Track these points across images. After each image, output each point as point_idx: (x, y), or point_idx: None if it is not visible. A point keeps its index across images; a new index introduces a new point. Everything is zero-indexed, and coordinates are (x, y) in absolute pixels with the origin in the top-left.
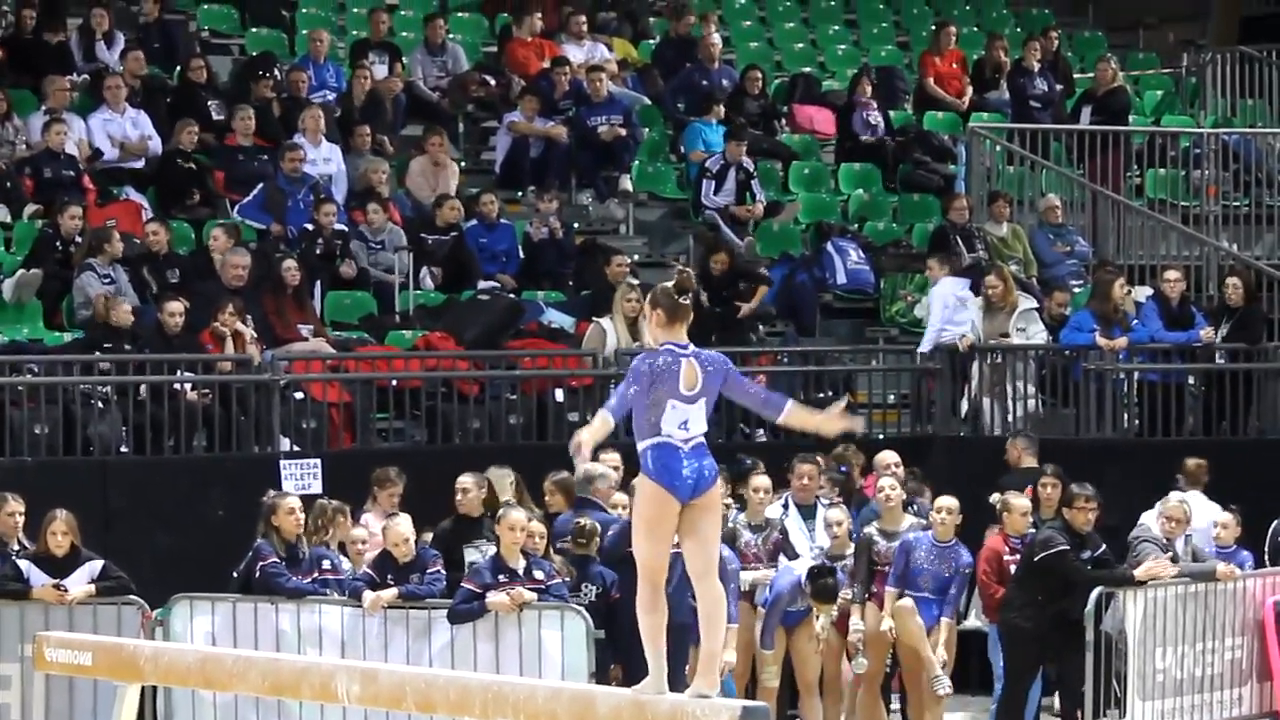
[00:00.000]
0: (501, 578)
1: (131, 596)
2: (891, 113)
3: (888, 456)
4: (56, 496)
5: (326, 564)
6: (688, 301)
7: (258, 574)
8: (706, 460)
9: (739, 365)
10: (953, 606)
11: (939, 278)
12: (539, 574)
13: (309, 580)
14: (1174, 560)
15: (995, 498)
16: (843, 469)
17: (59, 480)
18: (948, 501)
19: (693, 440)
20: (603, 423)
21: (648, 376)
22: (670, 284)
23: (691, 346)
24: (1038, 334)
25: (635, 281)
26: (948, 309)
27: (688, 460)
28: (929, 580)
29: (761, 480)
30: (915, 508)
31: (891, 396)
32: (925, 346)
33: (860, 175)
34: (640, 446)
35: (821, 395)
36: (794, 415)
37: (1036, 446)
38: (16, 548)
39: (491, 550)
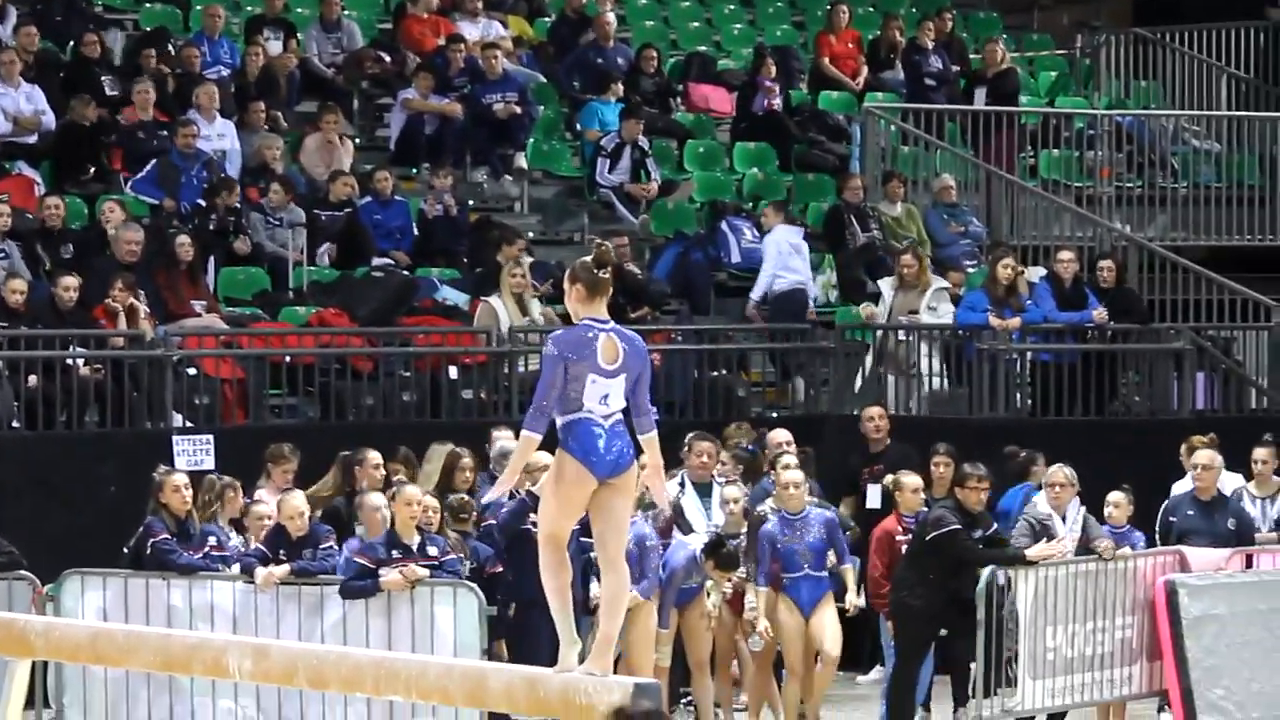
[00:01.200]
0: (395, 553)
1: (22, 572)
2: (788, 91)
3: (779, 435)
4: None
5: (213, 540)
6: (607, 275)
7: (149, 550)
8: (625, 440)
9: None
10: (845, 554)
11: (773, 225)
12: (433, 550)
13: (199, 556)
14: (1049, 537)
15: (888, 478)
16: (750, 448)
17: None
18: (792, 475)
19: (612, 417)
20: (527, 443)
21: (558, 358)
22: (589, 258)
23: (611, 322)
24: (948, 313)
25: (525, 259)
26: (781, 255)
27: (608, 438)
28: (806, 556)
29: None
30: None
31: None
32: (756, 294)
33: (755, 154)
34: (560, 421)
35: (716, 374)
36: (648, 446)
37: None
38: None
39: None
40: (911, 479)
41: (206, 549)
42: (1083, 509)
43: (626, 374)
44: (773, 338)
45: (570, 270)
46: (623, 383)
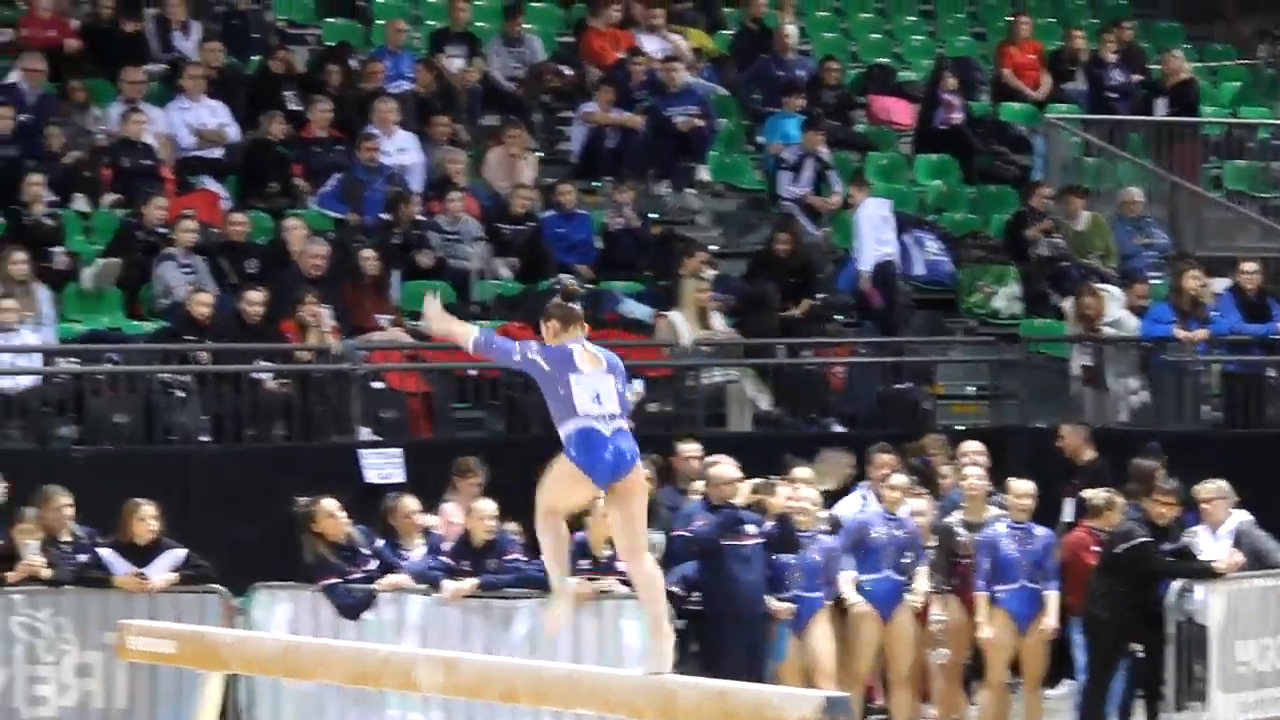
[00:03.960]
0: (584, 563)
1: (213, 585)
2: (969, 103)
3: (969, 447)
4: (137, 486)
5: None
6: (576, 306)
7: (320, 591)
8: (627, 443)
9: (816, 355)
10: (1053, 579)
11: (861, 200)
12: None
13: (371, 568)
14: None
15: (1098, 494)
16: (924, 459)
17: (139, 469)
18: (1024, 485)
19: (614, 421)
20: (464, 332)
21: (542, 363)
22: (557, 296)
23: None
24: (1131, 324)
25: (710, 273)
26: (875, 228)
27: (610, 442)
28: (1021, 568)
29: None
30: (997, 499)
31: (970, 388)
32: (866, 266)
33: (937, 166)
34: (563, 433)
35: (900, 386)
36: None
37: (1087, 433)
38: (67, 539)
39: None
40: (1123, 500)
41: (373, 566)
42: (1245, 521)
43: (615, 376)
44: (959, 351)
45: (544, 311)
46: (612, 382)
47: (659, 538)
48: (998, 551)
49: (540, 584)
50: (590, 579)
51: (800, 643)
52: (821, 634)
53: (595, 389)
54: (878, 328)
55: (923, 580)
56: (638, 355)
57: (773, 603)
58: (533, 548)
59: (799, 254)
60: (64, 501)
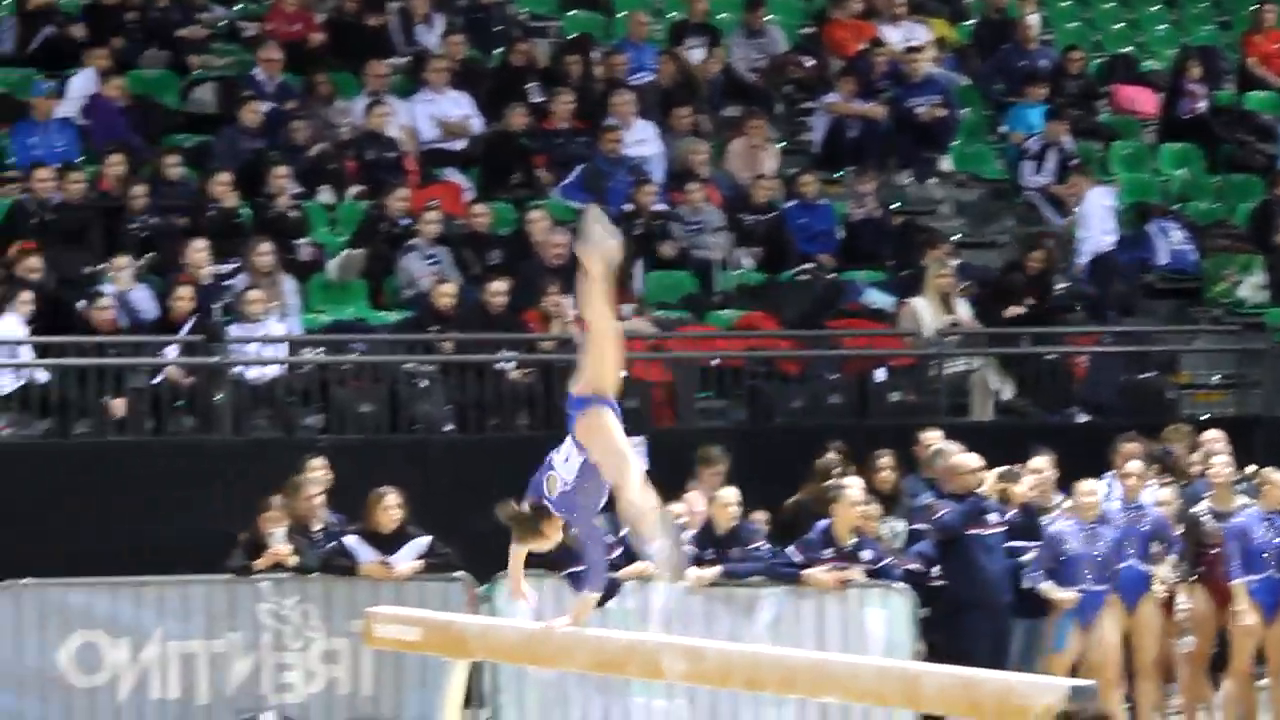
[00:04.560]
0: (828, 552)
1: (457, 573)
2: (1214, 92)
3: (1211, 435)
4: (381, 474)
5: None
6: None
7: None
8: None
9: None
10: None
11: (1086, 191)
12: (866, 553)
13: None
14: None
15: None
16: (1167, 449)
17: (384, 458)
18: (1277, 474)
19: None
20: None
21: None
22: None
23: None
24: None
25: (951, 262)
26: (1101, 218)
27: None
28: (1271, 558)
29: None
30: (1243, 487)
31: (1215, 377)
32: (1105, 247)
33: (1182, 155)
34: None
35: (1144, 375)
36: None
37: None
38: (318, 527)
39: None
40: None
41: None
42: None
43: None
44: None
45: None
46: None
47: (901, 526)
48: (1249, 540)
49: (784, 575)
50: (835, 568)
51: (1085, 636)
52: (1110, 628)
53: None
54: (1122, 317)
55: (1168, 569)
56: (880, 344)
57: (1056, 591)
58: (776, 536)
59: (1051, 269)
60: (314, 490)
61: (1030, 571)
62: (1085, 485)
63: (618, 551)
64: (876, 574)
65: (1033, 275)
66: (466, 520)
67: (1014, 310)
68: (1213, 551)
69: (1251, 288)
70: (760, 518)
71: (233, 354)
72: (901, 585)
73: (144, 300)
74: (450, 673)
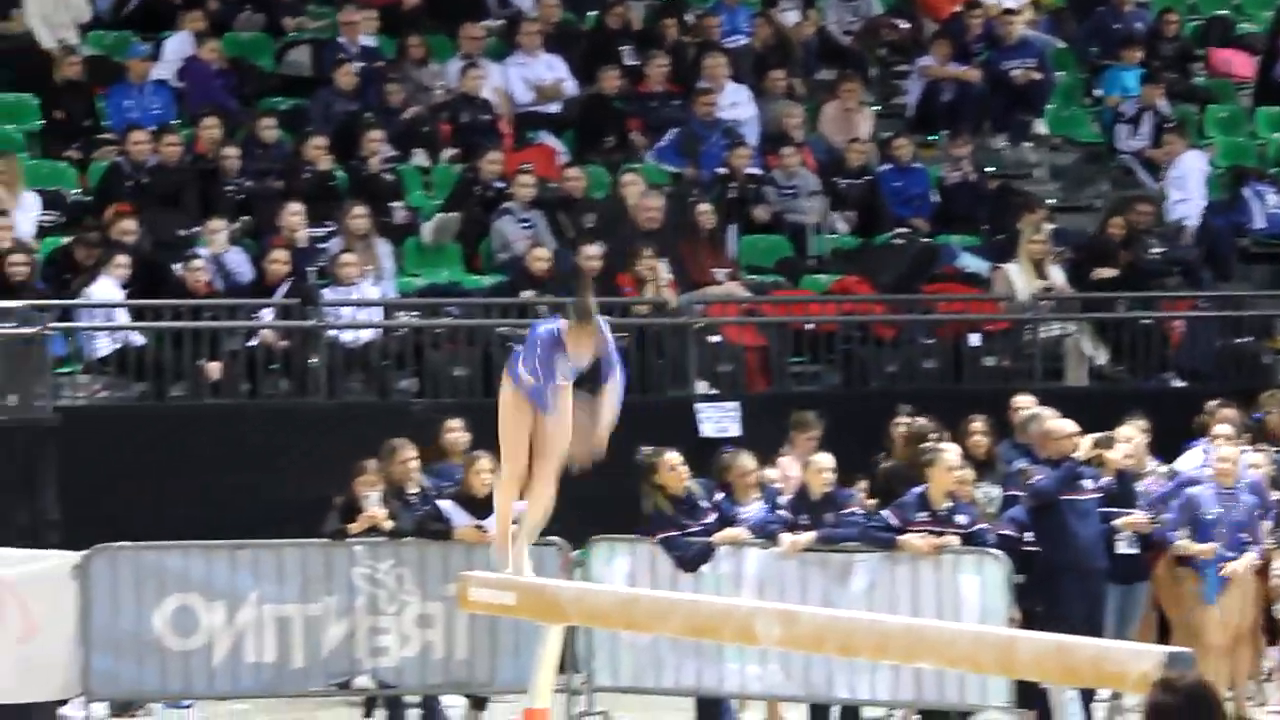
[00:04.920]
0: (923, 516)
1: (552, 538)
2: None
3: None
4: (476, 438)
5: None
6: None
7: (658, 543)
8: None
9: (1153, 308)
10: None
11: (1181, 155)
12: (961, 518)
13: (709, 521)
14: None
15: None
16: (1256, 415)
17: (478, 422)
18: None
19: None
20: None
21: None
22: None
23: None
24: None
25: (1046, 227)
26: (1199, 182)
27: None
28: None
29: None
30: None
31: None
32: (1200, 212)
33: (1278, 118)
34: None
35: (1239, 341)
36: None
37: None
38: (414, 491)
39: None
40: None
41: (711, 520)
42: None
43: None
44: None
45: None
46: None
47: (996, 491)
48: None
49: (879, 540)
50: (930, 533)
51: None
52: (1236, 594)
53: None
54: (1217, 282)
55: (1263, 534)
56: (974, 309)
57: (1193, 545)
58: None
59: (1144, 233)
60: (410, 454)
61: (1167, 530)
62: (1224, 450)
63: (712, 517)
64: (971, 539)
65: (1125, 239)
66: (561, 484)
67: (1105, 272)
68: None
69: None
70: (861, 486)
71: (327, 317)
72: (997, 551)
73: (239, 263)
74: (544, 637)
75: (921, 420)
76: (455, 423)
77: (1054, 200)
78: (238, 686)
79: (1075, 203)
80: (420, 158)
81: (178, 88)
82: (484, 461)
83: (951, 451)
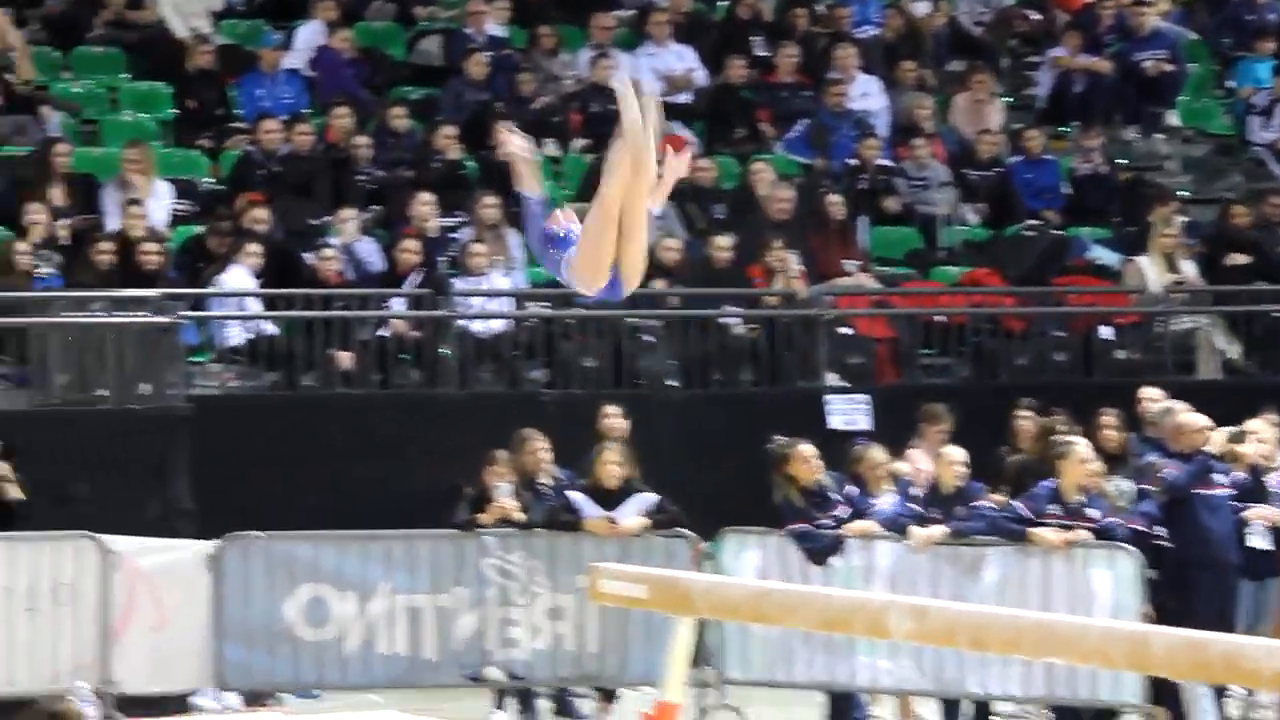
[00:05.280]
0: (1054, 509)
1: (682, 529)
2: None
3: None
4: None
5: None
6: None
7: (789, 535)
8: None
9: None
10: None
11: None
12: (1093, 512)
13: (840, 514)
14: None
15: None
16: None
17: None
18: None
19: None
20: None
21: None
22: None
23: None
24: None
25: (1177, 220)
26: None
27: None
28: None
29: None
30: None
31: None
32: None
33: None
34: None
35: None
36: None
37: None
38: (545, 482)
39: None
40: None
41: (841, 512)
42: None
43: None
44: None
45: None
46: None
47: (1127, 485)
48: None
49: (1010, 532)
50: (1062, 527)
51: None
52: None
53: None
54: None
55: None
56: (1105, 301)
57: None
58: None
59: (1269, 226)
60: (540, 445)
61: None
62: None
63: (844, 509)
64: (1102, 533)
65: (1254, 229)
66: (691, 476)
67: (1237, 258)
68: None
69: None
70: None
71: (458, 307)
72: (1128, 545)
73: (370, 253)
74: (676, 630)
75: (1048, 416)
76: (613, 409)
77: (1185, 193)
78: (369, 677)
79: (1207, 195)
80: (551, 147)
81: (309, 77)
82: (612, 453)
83: (1082, 444)
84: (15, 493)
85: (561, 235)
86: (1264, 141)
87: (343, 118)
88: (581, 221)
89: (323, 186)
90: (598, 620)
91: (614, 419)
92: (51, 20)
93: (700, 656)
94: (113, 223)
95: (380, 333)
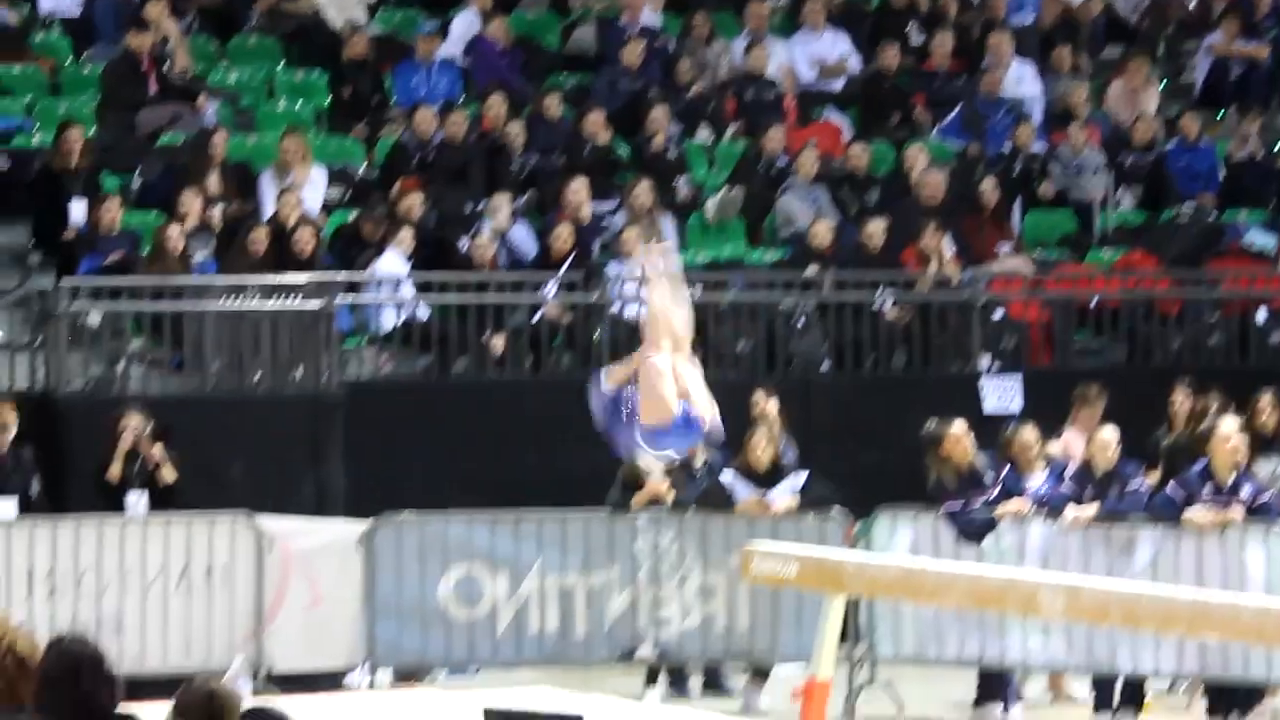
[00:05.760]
0: (1207, 490)
1: (834, 509)
2: None
3: None
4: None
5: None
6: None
7: (942, 515)
8: None
9: None
10: None
11: None
12: (1246, 491)
13: (993, 495)
14: None
15: None
16: None
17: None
18: None
19: None
20: None
21: None
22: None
23: None
24: None
25: None
26: None
27: None
28: None
29: None
30: None
31: None
32: None
33: None
34: None
35: None
36: None
37: None
38: (698, 464)
39: None
40: None
41: (994, 493)
42: None
43: None
44: None
45: None
46: None
47: None
48: None
49: (1163, 514)
50: (1214, 507)
51: None
52: None
53: None
54: None
55: None
56: (1261, 285)
57: None
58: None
59: None
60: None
61: None
62: None
63: (997, 490)
64: (1255, 513)
65: None
66: (844, 457)
67: None
68: None
69: None
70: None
71: (611, 292)
72: None
73: (523, 238)
74: (827, 608)
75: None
76: (761, 395)
77: None
78: (521, 655)
79: None
80: (704, 134)
81: (464, 65)
82: (763, 436)
83: (1232, 425)
84: (169, 474)
85: (612, 399)
86: None
87: (497, 106)
88: (618, 377)
89: (476, 173)
90: (749, 599)
91: (766, 402)
92: (208, 11)
93: (851, 634)
94: (268, 210)
95: (533, 318)
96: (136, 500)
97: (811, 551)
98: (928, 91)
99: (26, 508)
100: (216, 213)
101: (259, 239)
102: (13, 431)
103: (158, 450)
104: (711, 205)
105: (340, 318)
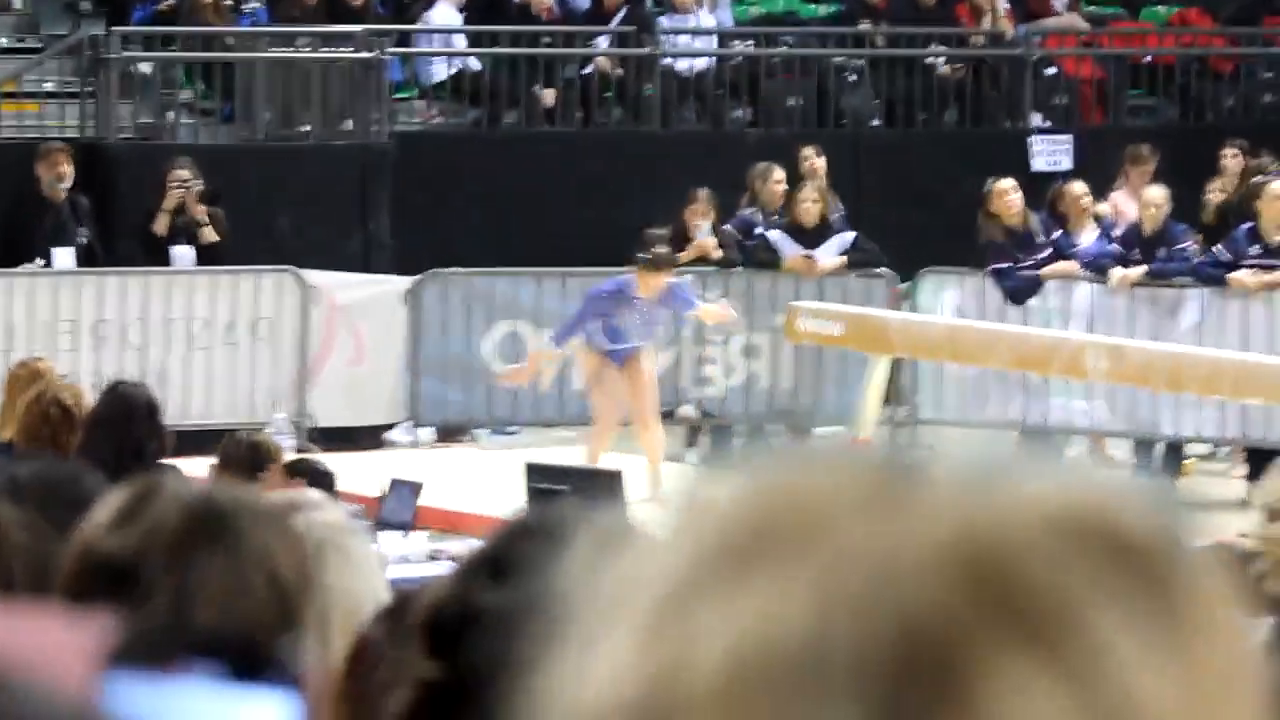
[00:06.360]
0: (1254, 250)
1: (880, 269)
2: None
3: None
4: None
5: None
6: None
7: (988, 275)
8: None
9: None
10: None
11: None
12: None
13: (1043, 256)
14: None
15: None
16: None
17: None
18: None
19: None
20: None
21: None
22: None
23: None
24: None
25: None
26: None
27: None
28: None
29: None
30: None
31: None
32: None
33: None
34: None
35: None
36: None
37: None
38: (775, 216)
39: None
40: None
41: (1045, 255)
42: None
43: None
44: None
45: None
46: None
47: None
48: None
49: (1210, 276)
50: (1262, 268)
51: None
52: None
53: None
54: None
55: None
56: None
57: None
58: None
59: None
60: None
61: None
62: None
63: (1047, 251)
64: None
65: None
66: (892, 216)
67: None
68: None
69: None
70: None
71: (663, 45)
72: None
73: None
74: (871, 368)
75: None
76: (811, 148)
77: None
78: (563, 414)
79: None
80: None
81: None
82: (811, 191)
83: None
84: (212, 234)
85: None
86: None
87: None
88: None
89: None
90: (792, 359)
91: (814, 158)
92: None
93: (894, 396)
94: None
95: (584, 70)
96: (183, 254)
97: (857, 310)
98: None
99: (83, 258)
100: None
101: None
102: (69, 180)
103: (203, 211)
104: None
105: (391, 69)
